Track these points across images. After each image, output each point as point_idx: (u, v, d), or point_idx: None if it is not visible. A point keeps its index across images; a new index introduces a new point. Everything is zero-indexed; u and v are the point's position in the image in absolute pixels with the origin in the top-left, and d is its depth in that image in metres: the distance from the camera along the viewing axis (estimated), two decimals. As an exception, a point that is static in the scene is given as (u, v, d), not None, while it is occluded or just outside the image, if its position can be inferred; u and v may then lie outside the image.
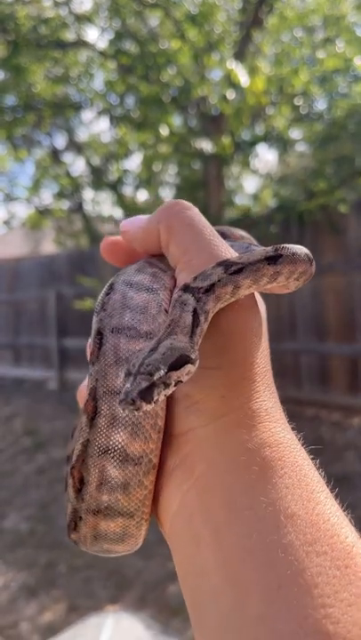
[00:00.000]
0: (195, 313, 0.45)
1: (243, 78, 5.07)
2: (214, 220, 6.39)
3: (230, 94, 5.61)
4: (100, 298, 0.55)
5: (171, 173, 9.05)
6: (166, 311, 0.52)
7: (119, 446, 0.48)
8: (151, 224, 0.55)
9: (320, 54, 6.22)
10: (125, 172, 8.70)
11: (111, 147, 8.81)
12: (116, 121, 7.24)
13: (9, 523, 4.20)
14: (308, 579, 0.35)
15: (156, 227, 0.54)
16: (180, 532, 0.45)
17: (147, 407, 0.39)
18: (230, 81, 5.33)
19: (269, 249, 0.50)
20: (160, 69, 5.84)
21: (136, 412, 0.40)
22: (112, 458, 0.48)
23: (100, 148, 9.42)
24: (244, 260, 0.48)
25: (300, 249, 0.51)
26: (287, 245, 0.50)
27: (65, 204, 10.23)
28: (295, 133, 7.07)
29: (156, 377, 0.40)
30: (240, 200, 9.73)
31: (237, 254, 0.51)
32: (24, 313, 10.13)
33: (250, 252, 0.50)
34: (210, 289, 0.46)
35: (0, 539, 3.94)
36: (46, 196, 10.66)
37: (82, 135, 9.77)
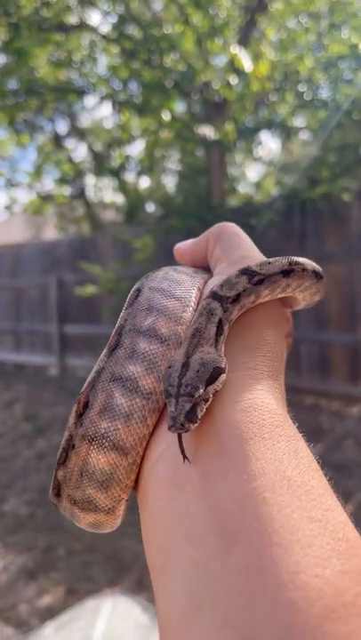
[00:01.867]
0: (220, 323, 0.49)
1: (246, 64, 5.02)
2: (217, 208, 6.38)
3: (233, 80, 5.56)
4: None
5: (173, 160, 9.00)
6: (199, 290, 0.57)
7: (132, 376, 0.48)
8: (202, 238, 0.63)
9: (325, 40, 6.15)
10: (128, 158, 8.66)
11: (114, 132, 8.76)
12: (118, 106, 7.18)
13: (9, 506, 4.23)
14: (302, 539, 0.35)
15: (205, 238, 0.62)
16: (161, 476, 0.44)
17: (194, 426, 0.42)
18: (234, 66, 5.28)
19: (285, 262, 0.53)
20: (163, 54, 5.78)
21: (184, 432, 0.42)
22: (122, 386, 0.48)
23: (102, 134, 9.37)
24: (265, 271, 0.52)
25: (310, 265, 0.56)
26: (300, 260, 0.55)
27: (67, 190, 10.20)
28: (299, 121, 7.01)
29: (196, 396, 0.42)
30: (242, 188, 9.69)
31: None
32: (25, 299, 10.12)
33: (269, 261, 0.54)
34: (236, 299, 0.50)
35: (0, 522, 3.98)
36: (48, 182, 10.62)
37: (84, 121, 9.71)
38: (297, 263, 0.54)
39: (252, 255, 0.57)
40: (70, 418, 0.50)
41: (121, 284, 7.21)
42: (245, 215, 6.69)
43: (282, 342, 0.52)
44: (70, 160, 9.54)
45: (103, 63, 7.74)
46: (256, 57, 5.67)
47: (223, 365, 0.45)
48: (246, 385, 0.46)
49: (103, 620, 1.67)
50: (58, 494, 0.51)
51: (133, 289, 0.57)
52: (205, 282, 0.59)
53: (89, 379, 0.50)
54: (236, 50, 5.19)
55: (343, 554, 0.35)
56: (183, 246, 0.67)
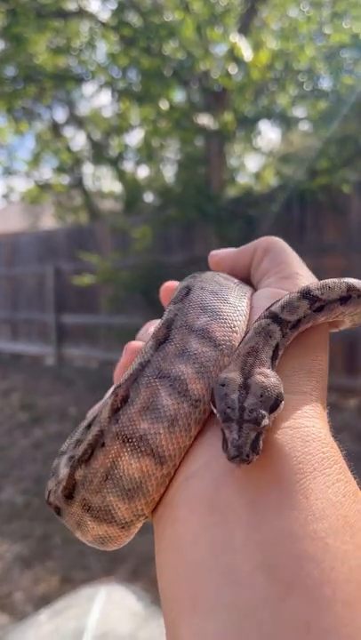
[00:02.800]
0: (276, 347, 0.46)
1: (246, 52, 4.97)
2: (216, 199, 6.35)
3: (233, 69, 5.51)
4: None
5: (172, 150, 8.95)
6: (249, 299, 0.54)
7: (182, 377, 0.44)
8: (247, 247, 0.61)
9: (327, 29, 6.10)
10: (126, 147, 8.61)
11: (112, 121, 8.70)
12: (117, 95, 7.13)
13: (5, 495, 4.24)
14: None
15: (251, 249, 0.60)
16: (196, 496, 0.39)
17: (256, 458, 0.38)
18: (234, 55, 5.23)
19: (343, 288, 0.51)
20: (162, 42, 5.73)
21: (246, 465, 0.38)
22: (170, 385, 0.43)
23: (101, 123, 9.30)
24: (325, 297, 0.50)
25: None
26: (357, 286, 0.52)
27: (65, 179, 10.14)
28: (299, 111, 6.97)
29: (262, 425, 0.39)
30: (242, 179, 9.65)
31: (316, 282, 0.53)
32: (22, 288, 10.09)
33: (329, 285, 0.52)
34: (296, 325, 0.48)
35: (-4, 511, 3.98)
36: (46, 171, 10.56)
37: (83, 109, 9.64)
38: (354, 289, 0.52)
39: (304, 272, 0.55)
40: (103, 411, 0.45)
41: (119, 273, 7.19)
42: (244, 206, 6.66)
43: (327, 369, 0.50)
44: (68, 149, 9.48)
45: (102, 50, 7.66)
46: (256, 46, 5.62)
47: (283, 391, 0.41)
48: (303, 411, 0.43)
49: (97, 608, 1.67)
50: (70, 496, 0.46)
51: (182, 286, 0.55)
52: (252, 293, 0.56)
53: (130, 370, 0.46)
54: (236, 38, 5.14)
55: None
56: (222, 254, 0.64)
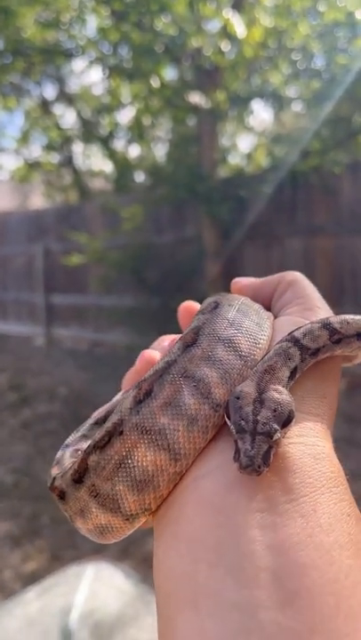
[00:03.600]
0: (294, 370, 0.48)
1: (239, 29, 4.89)
2: (207, 179, 6.30)
3: (226, 46, 5.43)
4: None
5: (163, 129, 8.84)
6: (272, 323, 0.56)
7: (206, 380, 0.45)
8: (271, 278, 0.63)
9: (321, 7, 6.00)
10: (117, 125, 8.49)
11: (103, 99, 8.56)
12: (108, 71, 7.00)
13: (-6, 475, 4.24)
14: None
15: (275, 280, 0.63)
16: (205, 497, 0.39)
17: (267, 470, 0.39)
18: (226, 32, 5.14)
19: (360, 323, 0.53)
20: (154, 17, 5.62)
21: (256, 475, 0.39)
22: (194, 386, 0.45)
23: (91, 100, 9.14)
24: (344, 331, 0.52)
25: None
26: None
27: (54, 158, 10.00)
28: (292, 91, 6.88)
29: (274, 438, 0.40)
30: (233, 159, 9.57)
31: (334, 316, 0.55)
32: (11, 268, 10.01)
33: (348, 320, 0.54)
34: (315, 352, 0.50)
35: (-16, 490, 3.99)
36: (35, 149, 10.41)
37: (73, 86, 9.45)
38: None
39: (324, 307, 0.58)
40: (126, 401, 0.46)
41: (109, 253, 7.14)
42: (235, 186, 6.62)
43: (337, 399, 0.52)
44: (58, 126, 9.33)
45: (92, 25, 7.50)
46: (250, 22, 5.52)
47: (295, 409, 0.43)
48: (316, 431, 0.44)
49: (85, 587, 1.68)
50: (79, 480, 0.46)
51: (210, 300, 0.57)
52: (273, 319, 0.58)
53: (156, 367, 0.47)
54: (229, 14, 5.05)
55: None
56: (245, 282, 0.66)
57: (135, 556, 2.98)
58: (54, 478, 0.50)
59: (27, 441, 4.93)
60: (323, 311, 0.57)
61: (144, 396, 0.45)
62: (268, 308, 0.63)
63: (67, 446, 0.58)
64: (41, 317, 9.31)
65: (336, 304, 6.52)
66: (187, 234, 7.17)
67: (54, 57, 7.20)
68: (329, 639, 0.30)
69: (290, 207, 6.26)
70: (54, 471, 0.52)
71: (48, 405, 5.83)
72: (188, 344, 0.48)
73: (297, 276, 0.62)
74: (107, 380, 6.28)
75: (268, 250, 6.49)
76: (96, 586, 1.69)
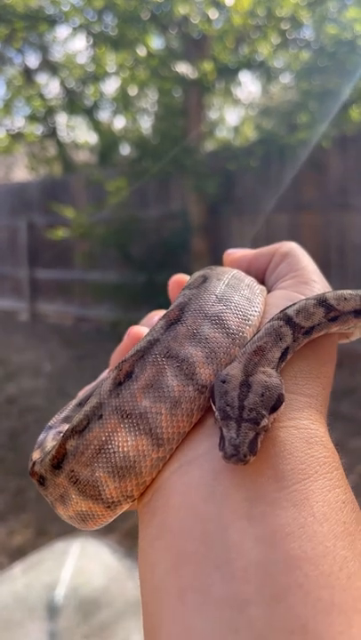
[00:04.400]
0: (286, 350, 0.45)
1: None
2: (193, 152, 6.21)
3: (214, 14, 5.30)
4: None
5: (150, 101, 8.68)
6: (264, 298, 0.54)
7: (191, 360, 0.43)
8: (266, 250, 0.61)
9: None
10: (102, 95, 8.31)
11: (87, 68, 8.35)
12: (92, 39, 6.82)
13: (-22, 450, 4.23)
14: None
15: (270, 251, 0.60)
16: (192, 484, 0.37)
17: (253, 459, 0.36)
18: (215, -1, 5.02)
19: (358, 300, 0.51)
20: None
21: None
22: (178, 366, 0.42)
23: (75, 69, 8.92)
24: (341, 307, 0.49)
25: None
26: None
27: (38, 129, 9.80)
28: (280, 62, 6.78)
29: (261, 425, 0.38)
30: (221, 132, 9.45)
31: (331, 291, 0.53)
32: (-6, 242, 9.87)
33: (345, 296, 0.52)
34: (309, 331, 0.47)
35: (-31, 466, 3.98)
36: (18, 119, 10.17)
37: (56, 54, 9.21)
38: None
39: (321, 281, 0.56)
40: (105, 384, 0.43)
41: (94, 228, 7.05)
42: (222, 160, 6.54)
43: (332, 380, 0.50)
44: (42, 96, 9.11)
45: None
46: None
47: (284, 392, 0.41)
48: (309, 413, 0.42)
49: (71, 562, 1.68)
50: (58, 466, 0.44)
51: (198, 274, 0.54)
52: (266, 293, 0.56)
53: (137, 347, 0.44)
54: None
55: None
56: (239, 253, 0.64)
57: (120, 530, 3.00)
58: (34, 463, 0.48)
59: (12, 416, 4.92)
60: (319, 285, 0.55)
61: (124, 377, 0.42)
62: (262, 280, 0.60)
63: (50, 428, 0.56)
64: (25, 292, 9.22)
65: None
66: (173, 208, 7.10)
67: (37, 24, 6.99)
68: (322, 637, 0.28)
69: (277, 182, 6.20)
70: (35, 455, 0.50)
71: (33, 381, 5.81)
72: (172, 321, 0.46)
73: (293, 246, 0.60)
74: (92, 356, 6.26)
75: (254, 225, 6.45)
76: (82, 561, 1.69)
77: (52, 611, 1.52)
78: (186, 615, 0.31)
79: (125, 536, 2.94)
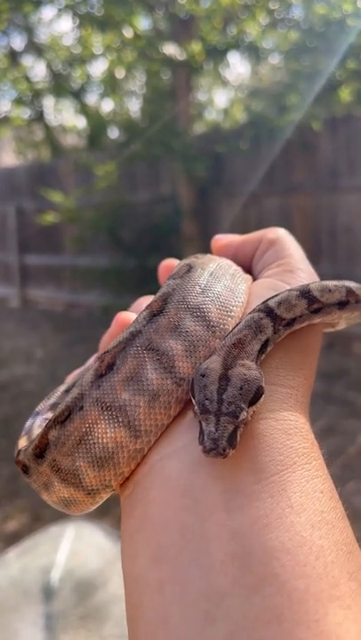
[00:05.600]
0: (266, 342, 0.45)
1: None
2: (182, 134, 6.15)
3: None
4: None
5: (138, 83, 8.58)
6: (248, 287, 0.53)
7: (170, 353, 0.43)
8: (253, 236, 0.60)
9: None
10: (89, 78, 8.20)
11: (74, 49, 8.22)
12: (78, 20, 6.70)
13: (-29, 437, 4.23)
14: (342, 597, 0.31)
15: (257, 238, 0.59)
16: (171, 477, 0.38)
17: (232, 452, 0.37)
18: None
19: (343, 293, 0.51)
20: None
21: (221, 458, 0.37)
22: (157, 360, 0.43)
23: (61, 51, 8.78)
24: (325, 299, 0.49)
25: None
26: (356, 291, 0.52)
27: (25, 112, 9.67)
28: (269, 42, 6.70)
29: (240, 419, 0.38)
30: (210, 114, 9.37)
31: (317, 280, 0.53)
32: (-17, 228, 9.78)
33: (329, 287, 0.51)
34: (290, 323, 0.47)
35: None
36: (4, 103, 10.02)
37: (42, 36, 9.05)
38: (353, 293, 0.51)
39: (307, 269, 0.55)
40: (87, 375, 0.44)
41: (83, 212, 7.00)
42: (212, 142, 6.49)
43: (315, 370, 0.50)
44: (28, 78, 8.97)
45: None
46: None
47: (264, 385, 0.41)
48: (288, 404, 0.42)
49: (66, 546, 1.70)
50: (41, 455, 0.45)
51: (183, 263, 0.54)
52: (251, 282, 0.55)
53: (120, 338, 0.45)
54: None
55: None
56: (228, 239, 0.63)
57: (115, 513, 3.02)
58: (19, 452, 0.49)
59: (4, 403, 4.92)
60: (305, 273, 0.54)
61: (106, 369, 0.43)
62: (249, 267, 0.60)
63: (37, 414, 0.56)
64: (15, 278, 9.17)
65: (313, 262, 6.61)
66: (162, 192, 7.05)
67: (21, 4, 6.86)
68: (298, 625, 0.29)
69: (267, 164, 6.17)
70: (21, 443, 0.50)
71: (24, 367, 5.80)
72: (155, 313, 0.46)
73: (280, 233, 0.59)
74: (83, 342, 6.25)
75: (245, 208, 6.42)
76: (77, 545, 1.71)
77: (48, 594, 1.53)
78: (164, 607, 0.32)
79: (119, 519, 2.96)
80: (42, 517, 3.09)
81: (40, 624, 1.43)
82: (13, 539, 2.83)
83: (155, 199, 7.09)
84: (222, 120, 8.72)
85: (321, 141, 5.77)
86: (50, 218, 6.91)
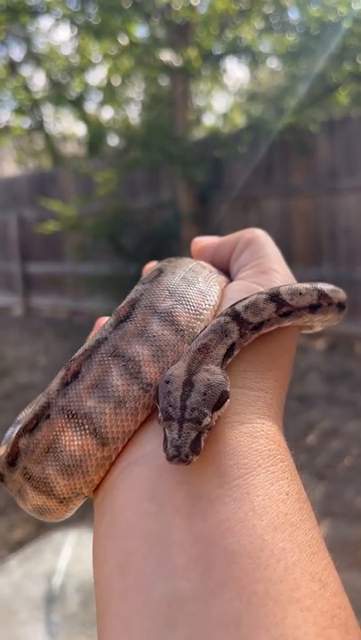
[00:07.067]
0: (232, 346, 0.45)
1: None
2: (181, 140, 6.17)
3: (196, 0, 5.25)
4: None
5: (136, 90, 8.62)
6: (221, 290, 0.53)
7: (136, 358, 0.43)
8: (230, 238, 0.60)
9: None
10: (87, 86, 8.25)
11: (72, 58, 8.28)
12: (76, 29, 6.75)
13: (-24, 446, 4.24)
14: (303, 599, 0.31)
15: (234, 240, 0.59)
16: (136, 483, 0.38)
17: (196, 458, 0.36)
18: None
19: (315, 296, 0.50)
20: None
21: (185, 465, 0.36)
22: (123, 365, 0.43)
23: (60, 60, 8.84)
24: (294, 303, 0.48)
25: (336, 298, 0.52)
26: (328, 294, 0.51)
27: (25, 122, 9.73)
28: (266, 46, 6.72)
29: (203, 424, 0.38)
30: (209, 119, 9.41)
31: (291, 281, 0.52)
32: (-15, 237, 9.81)
33: (300, 290, 0.50)
34: (258, 327, 0.47)
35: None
36: (5, 113, 10.09)
37: (40, 46, 9.12)
38: (325, 297, 0.51)
39: (281, 270, 0.54)
40: (53, 383, 0.44)
41: (84, 220, 7.02)
42: (211, 147, 6.51)
43: (290, 371, 0.50)
44: (27, 88, 9.03)
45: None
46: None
47: (228, 389, 0.40)
48: (255, 407, 0.42)
49: (68, 552, 1.69)
50: (12, 463, 0.45)
51: (154, 268, 0.54)
52: (226, 284, 0.55)
53: (86, 346, 0.45)
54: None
55: (342, 626, 0.31)
56: (205, 242, 0.63)
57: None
58: None
59: (8, 412, 4.92)
60: (279, 274, 0.53)
61: (71, 377, 0.43)
62: (227, 268, 0.60)
63: (18, 423, 0.56)
64: (18, 287, 9.19)
65: (314, 265, 6.59)
66: (162, 197, 7.07)
67: (19, 15, 6.91)
68: (257, 629, 0.29)
69: (266, 167, 6.18)
70: (0, 452, 0.50)
71: (28, 375, 5.80)
72: (122, 319, 0.46)
73: (256, 233, 0.58)
74: (87, 348, 6.25)
75: (245, 212, 6.43)
76: (78, 551, 1.70)
77: (50, 600, 1.53)
78: (127, 614, 0.32)
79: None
80: (47, 525, 3.08)
81: (42, 629, 1.43)
82: (19, 547, 2.83)
83: (155, 205, 7.11)
84: (222, 125, 8.75)
85: (319, 144, 5.78)
86: (50, 227, 6.93)
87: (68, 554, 1.71)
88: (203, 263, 0.58)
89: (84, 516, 3.11)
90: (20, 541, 2.94)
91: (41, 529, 3.05)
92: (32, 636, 1.39)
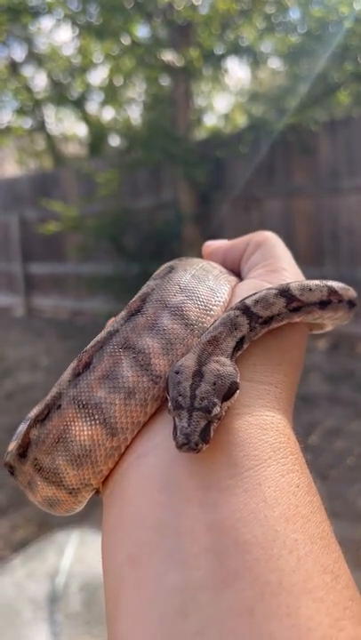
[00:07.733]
0: (241, 340, 0.45)
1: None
2: (182, 140, 6.17)
3: (198, 0, 5.25)
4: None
5: (137, 90, 8.63)
6: (232, 288, 0.54)
7: (146, 350, 0.44)
8: (241, 240, 0.61)
9: None
10: (89, 86, 8.26)
11: (73, 59, 8.29)
12: (77, 29, 6.76)
13: (-22, 446, 4.24)
14: (315, 590, 0.31)
15: (245, 241, 0.60)
16: (147, 474, 0.38)
17: (206, 447, 0.37)
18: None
19: (325, 292, 0.51)
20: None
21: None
22: (133, 357, 0.44)
23: (61, 61, 8.86)
24: (304, 298, 0.49)
25: (346, 295, 0.53)
26: (339, 291, 0.52)
27: (26, 122, 9.75)
28: (267, 46, 6.73)
29: (213, 414, 0.38)
30: (210, 120, 9.41)
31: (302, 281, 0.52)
32: (-13, 238, 9.83)
33: (310, 286, 0.51)
34: (268, 321, 0.47)
35: (-31, 462, 3.99)
36: (6, 113, 10.11)
37: (42, 46, 9.13)
38: (335, 293, 0.51)
39: (291, 269, 0.55)
40: (65, 374, 0.45)
41: (85, 220, 7.03)
42: (212, 147, 6.51)
43: (301, 367, 0.50)
44: (28, 88, 9.04)
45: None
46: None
47: (238, 380, 0.41)
48: (265, 400, 0.42)
49: (71, 552, 1.69)
50: (23, 454, 0.45)
51: (166, 266, 0.55)
52: (236, 283, 0.56)
53: (98, 338, 0.46)
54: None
55: (354, 617, 0.31)
56: (216, 244, 0.65)
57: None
58: (8, 454, 0.49)
59: (10, 412, 4.92)
60: (289, 273, 0.54)
61: (83, 368, 0.44)
62: (238, 270, 0.61)
63: (29, 419, 0.57)
64: (19, 287, 9.20)
65: (316, 265, 6.58)
66: (164, 198, 7.07)
67: (20, 16, 6.92)
68: (269, 619, 0.29)
69: (268, 167, 6.18)
70: (10, 446, 0.50)
71: (30, 376, 5.81)
72: (133, 312, 0.47)
73: (267, 235, 0.59)
74: (89, 349, 6.25)
75: (246, 212, 6.43)
76: (81, 550, 1.71)
77: (53, 599, 1.53)
78: (140, 604, 0.32)
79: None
80: (49, 525, 3.08)
81: (45, 630, 1.43)
82: (21, 547, 2.83)
83: (156, 205, 7.11)
84: (223, 125, 8.75)
85: (321, 144, 5.77)
86: (52, 227, 6.94)
87: (71, 553, 1.71)
88: (213, 263, 0.59)
89: (87, 515, 3.11)
90: (23, 541, 2.95)
91: (43, 529, 3.06)
92: (35, 635, 1.39)
